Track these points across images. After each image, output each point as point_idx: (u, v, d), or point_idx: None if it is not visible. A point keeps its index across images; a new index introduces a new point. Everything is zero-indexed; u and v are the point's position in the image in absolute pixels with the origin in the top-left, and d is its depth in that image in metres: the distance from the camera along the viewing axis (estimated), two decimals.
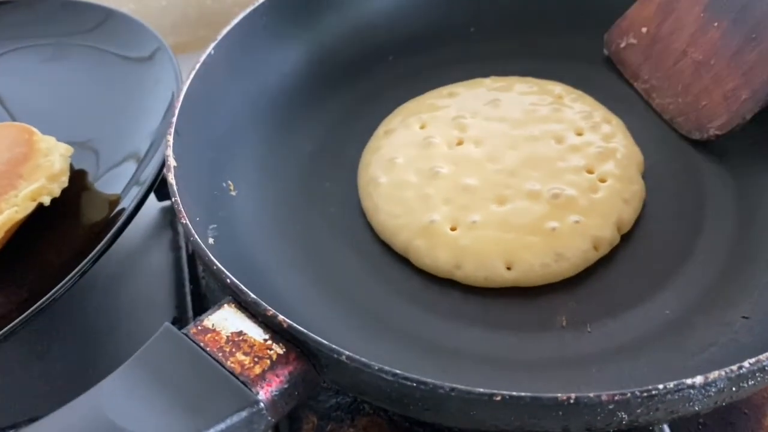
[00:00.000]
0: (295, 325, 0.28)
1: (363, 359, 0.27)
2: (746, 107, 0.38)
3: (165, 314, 0.44)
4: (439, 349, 0.35)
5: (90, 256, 0.36)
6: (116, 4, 0.48)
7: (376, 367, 0.27)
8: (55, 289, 0.35)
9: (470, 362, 0.35)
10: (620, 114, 0.44)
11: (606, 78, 0.46)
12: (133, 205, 0.38)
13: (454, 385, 0.26)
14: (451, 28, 0.50)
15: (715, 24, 0.39)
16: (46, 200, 0.39)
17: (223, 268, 0.31)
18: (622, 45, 0.43)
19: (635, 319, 0.36)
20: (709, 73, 0.39)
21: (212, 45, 0.42)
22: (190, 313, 0.43)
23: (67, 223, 0.41)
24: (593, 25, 0.48)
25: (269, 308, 0.29)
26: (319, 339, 0.28)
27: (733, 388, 0.27)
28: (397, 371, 0.26)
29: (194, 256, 0.46)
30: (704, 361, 0.33)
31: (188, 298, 0.44)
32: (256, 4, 0.45)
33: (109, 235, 0.36)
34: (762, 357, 0.26)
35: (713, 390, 0.26)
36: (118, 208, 0.39)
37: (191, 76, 0.40)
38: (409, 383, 0.26)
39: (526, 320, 0.36)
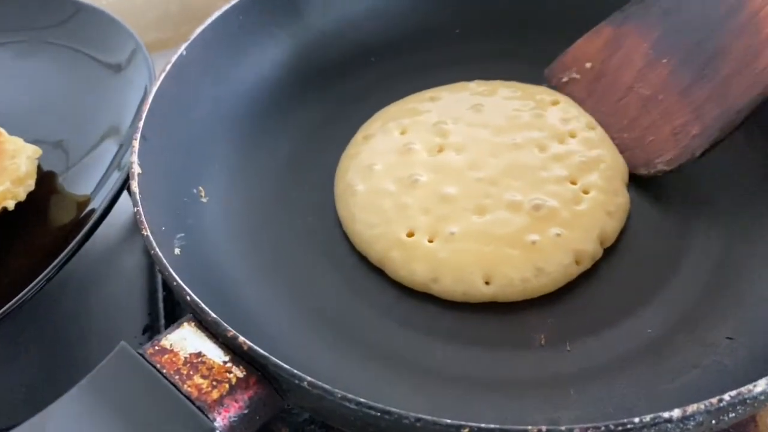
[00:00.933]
0: (255, 347, 0.27)
1: (325, 386, 0.26)
2: (696, 143, 0.37)
3: (137, 321, 0.43)
4: (413, 367, 0.34)
5: (58, 259, 0.34)
6: (95, 0, 0.46)
7: (339, 395, 0.25)
8: (21, 294, 0.34)
9: (444, 381, 0.34)
10: None
11: None
12: (103, 206, 0.37)
13: (420, 416, 0.25)
14: (436, 29, 0.49)
15: (664, 60, 0.39)
16: (11, 204, 0.38)
17: (183, 284, 0.29)
18: (564, 80, 0.43)
19: (616, 338, 0.34)
20: (657, 108, 0.39)
21: (185, 45, 0.40)
22: (162, 320, 0.42)
23: (35, 227, 0.39)
24: (582, 28, 0.46)
25: (230, 329, 0.27)
26: (280, 363, 0.26)
27: (713, 421, 0.25)
28: (361, 399, 0.25)
29: None
30: (686, 384, 0.32)
31: (161, 304, 0.43)
32: (233, 2, 0.43)
33: (77, 238, 0.35)
34: (743, 390, 0.25)
35: (692, 423, 0.25)
36: (88, 209, 0.38)
37: (161, 77, 0.39)
38: (373, 413, 0.25)
39: (504, 337, 0.35)
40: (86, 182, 0.40)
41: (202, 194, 0.40)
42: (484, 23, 0.49)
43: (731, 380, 0.30)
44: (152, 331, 0.43)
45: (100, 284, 0.46)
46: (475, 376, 0.34)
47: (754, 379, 0.26)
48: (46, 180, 0.41)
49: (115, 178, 0.38)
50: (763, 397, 0.25)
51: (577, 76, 0.41)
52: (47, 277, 0.35)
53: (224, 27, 0.43)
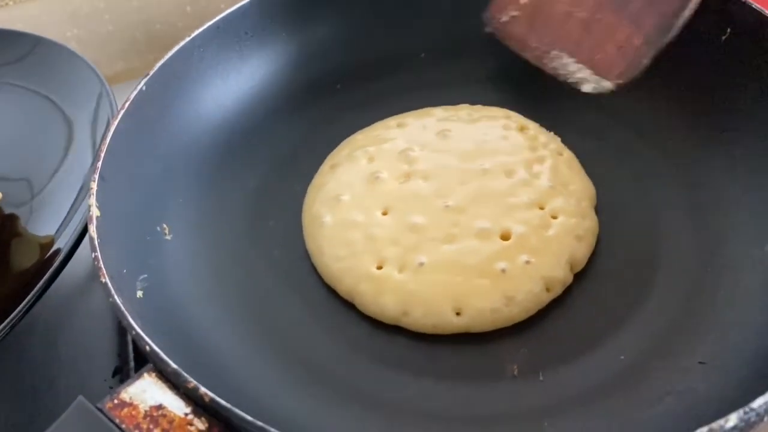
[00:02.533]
0: (217, 399, 0.26)
1: None
2: (641, 52, 0.38)
3: (107, 363, 0.42)
4: (385, 404, 0.33)
5: (24, 302, 0.34)
6: (59, 31, 0.46)
7: None
8: None
9: (418, 418, 0.33)
10: (571, 143, 0.43)
11: (557, 106, 0.45)
12: (68, 246, 0.36)
13: None
14: (400, 56, 0.48)
15: None
16: None
17: (142, 334, 0.28)
18: (504, 19, 0.43)
19: (589, 366, 0.34)
20: (598, 27, 0.40)
21: (143, 80, 0.40)
22: (132, 363, 0.40)
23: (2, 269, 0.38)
24: None
25: (190, 380, 0.27)
26: (243, 415, 0.26)
27: None
28: None
29: None
30: (660, 412, 0.31)
31: (130, 346, 0.41)
32: (193, 35, 0.42)
33: (43, 280, 0.34)
34: (714, 425, 0.24)
35: None
36: (52, 250, 0.37)
37: (119, 114, 0.38)
38: None
39: (477, 369, 0.35)
40: (49, 223, 0.39)
41: (167, 232, 0.39)
42: (447, 49, 0.48)
43: (705, 406, 0.30)
44: (122, 373, 0.42)
45: (67, 327, 0.44)
46: (449, 411, 0.33)
47: (726, 406, 0.26)
48: (7, 222, 0.40)
49: (80, 217, 0.38)
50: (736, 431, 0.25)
51: (516, 13, 0.42)
52: (12, 322, 0.34)
53: (184, 60, 0.42)
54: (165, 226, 0.39)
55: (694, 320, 0.35)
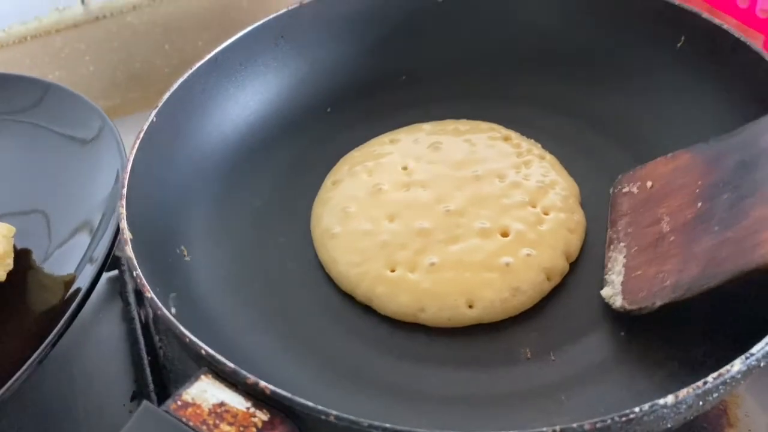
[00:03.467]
0: (279, 390, 0.28)
1: (351, 417, 0.27)
2: (660, 293, 0.35)
3: (124, 390, 0.43)
4: (413, 394, 0.36)
5: (47, 340, 0.34)
6: (42, 73, 0.47)
7: (366, 424, 0.27)
8: (12, 380, 0.33)
9: (444, 403, 0.36)
10: (551, 149, 0.46)
11: (534, 116, 0.48)
12: (87, 283, 0.37)
13: None
14: (383, 78, 0.51)
15: (699, 204, 0.36)
16: None
17: (196, 340, 0.30)
18: (624, 190, 0.42)
19: (594, 343, 0.37)
20: (663, 247, 0.37)
21: (153, 112, 0.42)
22: (152, 386, 0.41)
23: (17, 309, 0.39)
24: (512, 66, 0.50)
25: (249, 376, 0.29)
26: (305, 402, 0.28)
27: (700, 402, 0.28)
28: (387, 425, 0.27)
29: (148, 327, 0.44)
30: (665, 376, 0.34)
31: (147, 370, 0.42)
32: (193, 69, 0.45)
33: (65, 317, 0.35)
34: (722, 370, 0.28)
35: (683, 407, 0.28)
36: (73, 288, 0.38)
37: (136, 145, 0.40)
38: None
39: (493, 356, 0.37)
40: (67, 259, 0.40)
41: (185, 254, 0.41)
42: (425, 70, 0.51)
43: (706, 366, 0.33)
44: (141, 397, 0.42)
45: (80, 358, 0.45)
46: (472, 394, 0.36)
47: (725, 361, 0.29)
48: (22, 258, 0.41)
49: (99, 255, 0.38)
50: (739, 376, 0.28)
51: (635, 191, 0.40)
52: (40, 358, 0.34)
53: (187, 92, 0.44)
54: (183, 248, 0.41)
55: None
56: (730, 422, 0.38)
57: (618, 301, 0.37)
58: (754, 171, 0.35)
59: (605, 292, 0.38)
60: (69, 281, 0.38)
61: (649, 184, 0.40)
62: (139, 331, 0.44)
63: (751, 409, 0.38)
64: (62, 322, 0.35)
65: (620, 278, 0.38)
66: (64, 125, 0.46)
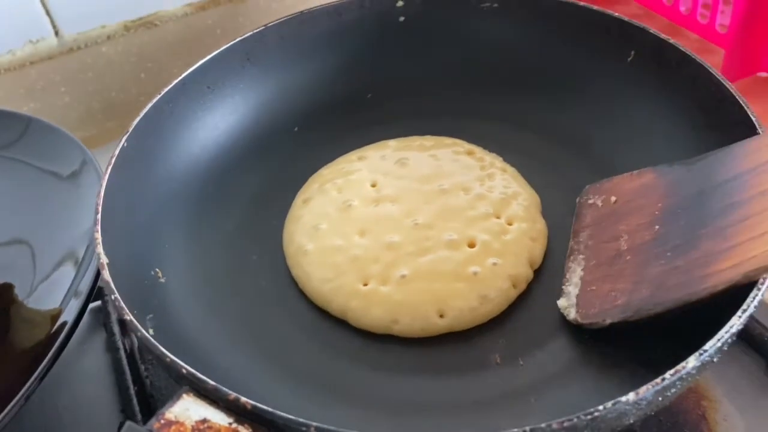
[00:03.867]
0: (259, 405, 0.29)
1: (332, 428, 0.28)
2: (611, 312, 0.37)
3: (111, 421, 0.42)
4: (389, 403, 0.37)
5: (34, 375, 0.34)
6: (17, 105, 0.47)
7: None
8: (7, 409, 0.33)
9: (420, 410, 0.37)
10: (513, 162, 0.48)
11: (495, 131, 0.50)
12: (73, 316, 0.37)
13: None
14: (349, 96, 0.53)
15: (656, 227, 0.38)
16: None
17: (176, 359, 0.31)
18: (590, 201, 0.43)
19: (560, 348, 0.39)
20: (618, 266, 0.38)
21: (124, 137, 0.42)
22: (139, 416, 0.41)
23: (2, 344, 0.39)
24: (474, 83, 0.52)
25: (230, 392, 0.30)
26: (286, 415, 0.29)
27: (660, 398, 0.30)
28: None
29: (133, 356, 0.45)
30: (626, 376, 0.36)
31: (134, 400, 0.42)
32: (162, 93, 0.46)
33: (52, 351, 0.35)
34: (678, 367, 0.30)
35: (644, 403, 0.30)
36: (59, 321, 0.38)
37: (108, 170, 0.40)
38: None
39: (464, 363, 0.39)
40: (51, 294, 0.40)
41: (160, 275, 0.41)
42: (390, 88, 0.53)
43: (663, 366, 0.35)
44: None
45: (66, 390, 0.44)
46: (445, 401, 0.37)
47: (681, 360, 0.31)
48: (5, 292, 0.41)
49: (84, 287, 0.38)
50: (694, 371, 0.30)
51: (599, 204, 0.42)
52: (27, 393, 0.34)
53: (157, 116, 0.45)
54: (158, 270, 0.41)
55: None
56: (709, 427, 0.39)
57: (572, 314, 0.39)
58: (709, 202, 0.36)
59: (561, 302, 0.40)
60: (55, 315, 0.38)
61: (613, 198, 0.41)
62: (125, 361, 0.44)
63: (728, 413, 0.40)
64: (49, 356, 0.35)
65: (576, 290, 0.39)
66: (46, 160, 0.46)
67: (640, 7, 0.66)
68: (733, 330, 0.31)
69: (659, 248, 0.37)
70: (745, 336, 0.42)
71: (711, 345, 0.31)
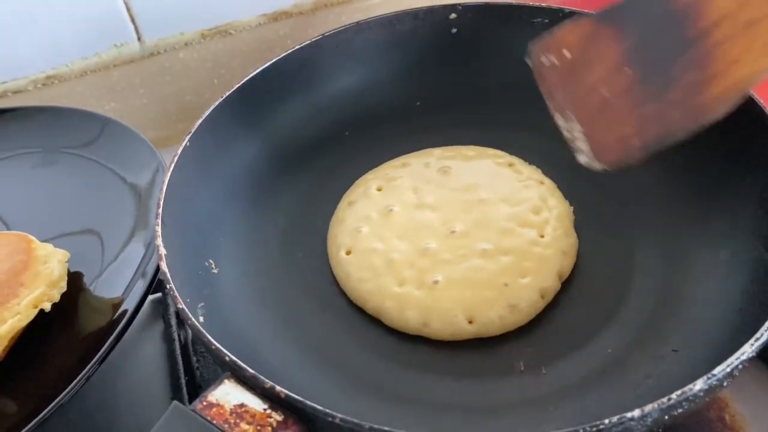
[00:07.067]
0: (292, 394, 0.32)
1: (355, 420, 0.31)
2: (635, 155, 0.40)
3: (162, 405, 0.44)
4: (415, 402, 0.40)
5: (95, 358, 0.38)
6: (99, 104, 0.51)
7: (367, 427, 0.31)
8: (61, 395, 0.37)
9: (443, 411, 0.39)
10: (550, 174, 0.50)
11: (538, 144, 0.51)
12: (134, 305, 0.40)
13: None
14: (399, 104, 0.55)
15: (628, 71, 0.39)
16: (47, 306, 0.41)
17: (221, 347, 0.34)
18: (545, 62, 0.43)
19: (582, 359, 0.41)
20: (611, 113, 0.40)
21: (187, 137, 0.46)
22: (187, 403, 0.43)
23: (68, 328, 0.42)
24: (518, 96, 0.53)
25: (267, 381, 0.33)
26: (314, 405, 0.32)
27: (666, 417, 0.32)
28: (386, 428, 0.31)
29: (187, 348, 0.48)
30: (643, 392, 0.38)
31: (184, 390, 0.45)
32: (224, 96, 0.49)
33: (112, 337, 0.39)
34: (686, 389, 0.31)
35: (650, 419, 0.31)
36: (121, 310, 0.41)
37: (171, 167, 0.44)
38: None
39: (489, 368, 0.41)
40: (116, 282, 0.43)
41: (213, 266, 0.45)
42: (439, 97, 0.55)
43: (679, 384, 0.36)
44: None
45: (123, 375, 0.48)
46: (468, 403, 0.40)
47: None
48: (75, 282, 0.44)
49: (145, 281, 0.42)
50: (702, 394, 0.32)
51: (556, 62, 0.42)
52: (87, 375, 0.38)
53: (218, 118, 0.49)
54: (211, 261, 0.45)
55: (666, 316, 0.41)
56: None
57: (597, 165, 0.41)
58: (668, 36, 0.38)
59: (582, 159, 0.42)
60: (117, 303, 0.42)
61: (566, 53, 0.42)
62: (178, 351, 0.47)
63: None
64: (109, 341, 0.39)
65: (586, 145, 0.41)
66: (121, 165, 0.50)
67: None
68: (744, 357, 0.32)
69: (642, 89, 0.39)
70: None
71: (720, 370, 0.32)
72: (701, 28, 0.37)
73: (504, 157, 0.51)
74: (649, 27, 0.39)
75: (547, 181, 0.49)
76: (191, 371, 0.47)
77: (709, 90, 0.36)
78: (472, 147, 0.52)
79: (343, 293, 0.45)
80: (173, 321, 0.49)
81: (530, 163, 0.51)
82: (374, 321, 0.44)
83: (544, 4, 0.54)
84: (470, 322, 0.42)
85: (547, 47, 0.43)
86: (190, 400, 0.44)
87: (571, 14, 0.53)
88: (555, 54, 0.42)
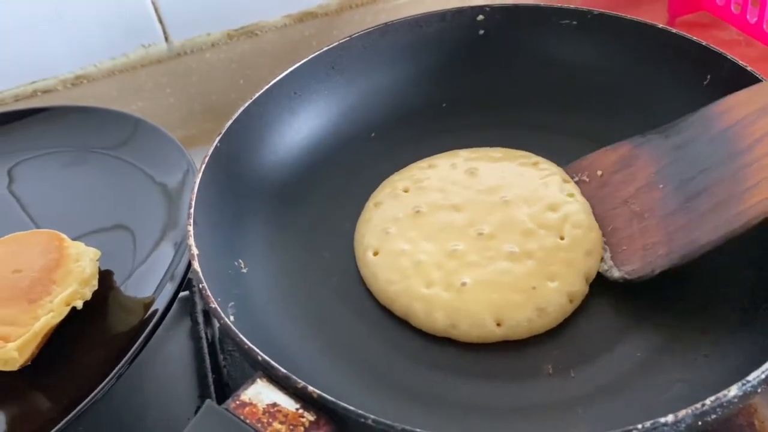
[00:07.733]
0: (324, 395, 0.32)
1: (387, 421, 0.31)
2: (659, 262, 0.41)
3: (190, 403, 0.46)
4: (443, 403, 0.40)
5: (126, 358, 0.38)
6: (126, 104, 0.52)
7: (399, 428, 0.31)
8: (93, 394, 0.37)
9: (471, 412, 0.39)
10: None
11: (565, 146, 0.51)
12: (164, 304, 0.41)
13: None
14: (425, 106, 0.55)
15: (660, 186, 0.42)
16: (79, 304, 0.42)
17: (253, 347, 0.35)
18: (575, 179, 0.47)
19: (611, 362, 0.40)
20: (640, 224, 0.42)
21: (217, 138, 0.47)
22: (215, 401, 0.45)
23: (99, 326, 0.43)
24: (545, 97, 0.54)
25: (299, 381, 0.33)
26: (347, 405, 0.32)
27: (699, 422, 0.31)
28: (417, 430, 0.31)
29: (214, 346, 0.48)
30: (673, 396, 0.38)
31: (211, 388, 0.45)
32: (253, 98, 0.50)
33: (143, 336, 0.39)
34: (720, 394, 0.31)
35: (683, 425, 0.31)
36: (151, 309, 0.42)
37: (203, 167, 0.45)
38: None
39: (517, 370, 0.41)
40: (146, 282, 0.44)
41: (242, 266, 0.45)
42: (465, 99, 0.55)
43: (711, 389, 0.36)
44: None
45: (150, 372, 0.48)
46: (496, 405, 0.40)
47: (728, 386, 0.32)
48: (105, 279, 0.45)
49: (176, 281, 0.42)
50: (736, 400, 0.31)
51: (587, 179, 0.46)
52: (119, 373, 0.38)
53: (247, 120, 0.49)
54: (241, 261, 0.45)
55: (696, 319, 0.41)
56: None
57: (615, 273, 0.42)
58: (704, 156, 0.41)
59: (601, 267, 0.43)
60: (148, 303, 0.42)
61: (599, 173, 0.46)
62: (206, 350, 0.47)
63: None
64: (140, 341, 0.39)
65: (608, 254, 0.43)
66: (151, 165, 0.50)
67: (739, 33, 0.65)
68: None
69: (675, 202, 0.41)
70: None
71: (755, 376, 0.32)
72: (743, 147, 0.38)
73: (530, 158, 0.51)
74: (690, 147, 0.42)
75: (572, 181, 0.49)
76: (218, 369, 0.47)
77: (744, 201, 0.37)
78: (498, 148, 0.52)
79: (370, 294, 0.45)
80: (200, 319, 0.49)
81: (558, 164, 0.51)
82: (402, 322, 0.44)
83: (572, 6, 0.54)
84: (498, 325, 0.42)
85: (581, 168, 0.47)
86: (218, 398, 0.45)
87: (600, 16, 0.53)
88: (588, 173, 0.46)
